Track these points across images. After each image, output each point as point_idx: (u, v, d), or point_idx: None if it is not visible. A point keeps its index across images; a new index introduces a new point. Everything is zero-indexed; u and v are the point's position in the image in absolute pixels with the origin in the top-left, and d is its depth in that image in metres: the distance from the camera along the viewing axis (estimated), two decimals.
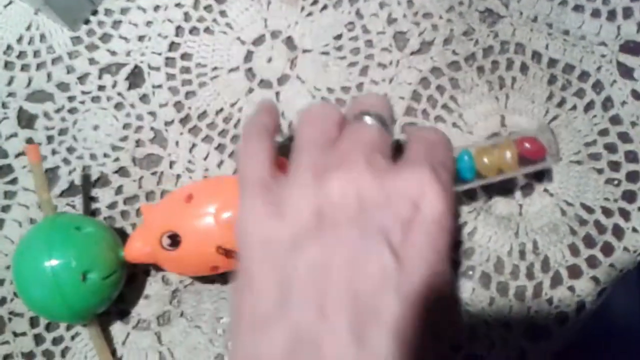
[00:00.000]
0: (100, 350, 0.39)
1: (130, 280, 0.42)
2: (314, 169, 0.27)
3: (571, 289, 0.39)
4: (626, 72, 0.42)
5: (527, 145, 0.35)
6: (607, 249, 0.39)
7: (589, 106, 0.42)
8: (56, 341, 0.42)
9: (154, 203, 0.43)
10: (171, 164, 0.44)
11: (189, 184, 0.43)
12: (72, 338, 0.42)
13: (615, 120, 0.41)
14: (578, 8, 0.44)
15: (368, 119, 0.29)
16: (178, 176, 0.44)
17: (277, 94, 0.45)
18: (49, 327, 0.42)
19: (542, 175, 0.41)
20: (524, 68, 0.43)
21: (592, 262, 0.39)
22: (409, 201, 0.25)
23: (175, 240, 0.36)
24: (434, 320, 0.25)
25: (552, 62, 0.43)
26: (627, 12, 0.43)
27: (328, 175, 0.26)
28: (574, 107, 0.42)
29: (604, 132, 0.41)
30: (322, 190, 0.26)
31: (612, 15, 0.43)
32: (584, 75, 0.42)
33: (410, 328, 0.24)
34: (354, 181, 0.26)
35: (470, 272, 0.40)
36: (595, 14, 0.44)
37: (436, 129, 0.34)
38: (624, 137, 0.41)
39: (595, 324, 0.39)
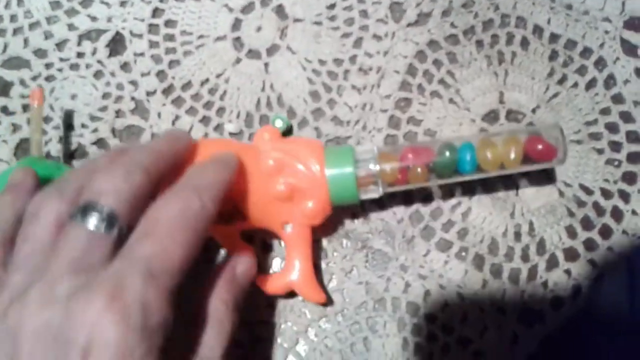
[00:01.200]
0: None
1: None
2: (9, 288, 0.26)
3: (567, 272, 0.38)
4: (630, 49, 0.41)
5: (539, 146, 0.34)
6: (606, 232, 0.38)
7: (591, 84, 0.41)
8: None
9: None
10: (153, 136, 0.43)
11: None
12: None
13: (618, 98, 0.40)
14: None
15: (87, 220, 0.26)
16: None
17: (266, 65, 0.43)
18: None
19: None
20: (524, 43, 0.42)
21: (589, 244, 0.38)
22: (83, 334, 0.23)
23: None
24: None
25: (554, 38, 0.42)
26: None
27: (13, 307, 0.25)
28: (575, 85, 0.41)
29: (605, 111, 0.40)
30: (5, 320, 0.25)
31: None
32: (586, 52, 0.41)
33: None
34: (31, 314, 0.24)
35: (464, 254, 0.39)
36: None
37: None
38: (626, 117, 0.40)
39: (583, 312, 0.38)
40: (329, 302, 0.39)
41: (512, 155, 0.34)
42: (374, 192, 0.35)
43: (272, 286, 0.36)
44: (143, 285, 0.24)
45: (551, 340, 0.37)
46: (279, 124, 0.39)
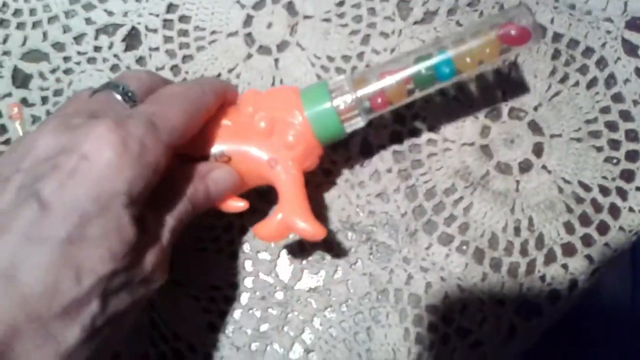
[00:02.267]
0: None
1: None
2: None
3: (565, 266, 0.39)
4: (631, 49, 0.41)
5: (512, 32, 0.33)
6: (603, 228, 0.39)
7: (592, 83, 0.41)
8: None
9: None
10: None
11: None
12: None
13: (618, 98, 0.41)
14: None
15: (109, 90, 0.32)
16: None
17: (276, 60, 0.44)
18: None
19: (541, 152, 0.40)
20: None
21: (587, 240, 0.39)
22: (76, 153, 0.26)
23: None
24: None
25: (557, 37, 0.42)
26: None
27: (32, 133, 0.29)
28: (577, 84, 0.41)
29: (605, 110, 0.41)
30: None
31: None
32: (588, 51, 0.42)
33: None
34: (42, 138, 0.28)
35: (464, 247, 0.40)
36: None
37: (175, 85, 0.35)
38: (626, 116, 0.40)
39: (586, 303, 0.39)
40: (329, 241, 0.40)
41: (488, 50, 0.33)
42: (358, 122, 0.35)
43: (269, 230, 0.34)
44: (144, 129, 0.28)
45: (553, 332, 0.38)
46: None
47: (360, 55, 0.43)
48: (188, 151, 0.34)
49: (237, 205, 0.35)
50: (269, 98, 0.36)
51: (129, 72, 0.37)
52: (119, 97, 0.32)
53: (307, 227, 0.34)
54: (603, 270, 0.39)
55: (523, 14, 0.33)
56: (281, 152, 0.35)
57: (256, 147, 0.35)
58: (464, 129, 0.41)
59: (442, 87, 0.35)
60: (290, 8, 0.45)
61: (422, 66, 0.34)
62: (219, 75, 0.44)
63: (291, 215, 0.34)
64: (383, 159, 0.41)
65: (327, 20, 0.44)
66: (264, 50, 0.44)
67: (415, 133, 0.42)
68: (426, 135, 0.42)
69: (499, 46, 0.33)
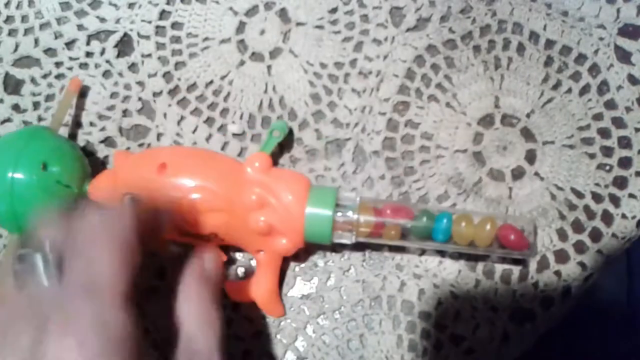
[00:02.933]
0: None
1: None
2: None
3: (557, 273, 0.38)
4: (623, 56, 0.41)
5: (512, 236, 0.34)
6: (596, 235, 0.39)
7: (585, 90, 0.41)
8: None
9: (128, 152, 0.41)
10: (158, 136, 0.43)
11: (165, 147, 0.42)
12: None
13: (610, 104, 0.40)
14: None
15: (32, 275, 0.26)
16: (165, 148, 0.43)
17: (269, 67, 0.44)
18: None
19: (534, 159, 0.40)
20: (520, 48, 0.42)
21: (579, 247, 0.39)
22: None
23: None
24: None
25: (550, 44, 0.42)
26: None
27: None
28: (569, 90, 0.41)
29: (598, 117, 0.40)
30: None
31: None
32: (580, 58, 0.41)
33: None
34: None
35: (457, 254, 0.39)
36: None
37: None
38: (618, 122, 0.40)
39: (582, 302, 0.39)
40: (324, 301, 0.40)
41: (484, 236, 0.34)
42: (346, 239, 0.36)
43: (238, 295, 0.38)
44: (87, 307, 0.24)
45: (550, 329, 0.38)
46: (277, 134, 0.39)
47: (353, 62, 0.43)
48: (181, 228, 0.35)
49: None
50: (277, 181, 0.36)
51: (36, 226, 0.28)
52: (42, 273, 0.25)
53: (272, 312, 0.39)
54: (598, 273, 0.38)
55: (530, 228, 0.35)
56: (269, 246, 0.36)
57: (248, 237, 0.36)
58: (456, 136, 0.41)
59: (429, 243, 0.36)
60: (283, 15, 0.44)
61: (423, 221, 0.35)
62: (211, 82, 0.44)
63: (261, 298, 0.38)
64: (376, 166, 0.41)
65: (319, 27, 0.44)
66: (256, 57, 0.44)
67: (408, 140, 0.41)
68: (419, 142, 0.41)
69: (494, 237, 0.34)
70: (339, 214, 0.35)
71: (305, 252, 0.40)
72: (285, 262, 0.40)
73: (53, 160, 0.36)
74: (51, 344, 0.23)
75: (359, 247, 0.40)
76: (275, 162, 0.40)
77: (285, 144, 0.42)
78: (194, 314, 0.30)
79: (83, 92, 0.44)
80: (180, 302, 0.30)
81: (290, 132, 0.42)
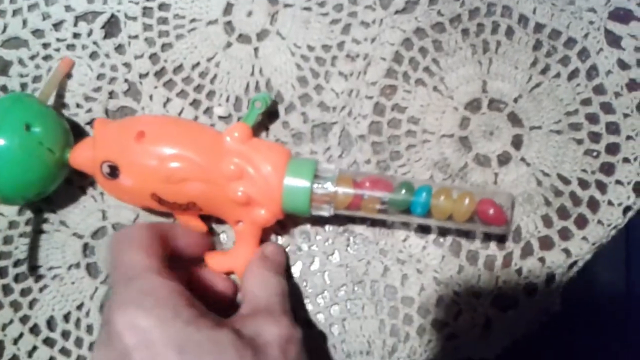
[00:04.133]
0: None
1: (100, 235, 0.41)
2: None
3: (541, 260, 0.37)
4: (614, 40, 0.40)
5: (490, 210, 0.33)
6: (581, 222, 0.38)
7: (573, 74, 0.39)
8: (24, 292, 0.41)
9: (109, 120, 0.41)
10: None
11: (145, 116, 0.41)
12: (40, 290, 0.41)
13: (599, 89, 0.39)
14: None
15: None
16: None
17: (256, 49, 0.42)
18: (17, 278, 0.41)
19: (521, 144, 0.39)
20: (509, 32, 0.41)
21: (564, 234, 0.38)
22: None
23: (114, 172, 0.34)
24: None
25: (539, 27, 0.40)
26: None
27: None
28: (558, 75, 0.40)
29: (586, 102, 0.39)
30: None
31: None
32: (570, 42, 0.40)
33: None
34: None
35: (441, 240, 0.38)
36: None
37: None
38: (607, 108, 0.39)
39: (580, 292, 0.38)
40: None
41: (463, 210, 0.33)
42: (324, 211, 0.35)
43: (217, 265, 0.37)
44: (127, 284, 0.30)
45: (549, 317, 0.37)
46: (258, 105, 0.38)
47: (341, 45, 0.42)
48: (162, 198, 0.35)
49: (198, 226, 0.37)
50: (257, 152, 0.35)
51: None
52: None
53: None
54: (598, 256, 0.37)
55: (508, 204, 0.34)
56: (247, 217, 0.35)
57: (227, 207, 0.35)
58: (443, 121, 0.40)
59: (408, 217, 0.35)
60: None
61: (402, 194, 0.34)
62: (198, 64, 0.42)
63: (238, 265, 0.37)
64: (362, 150, 0.40)
65: (307, 9, 0.42)
66: (243, 39, 0.43)
67: (395, 124, 0.40)
68: (405, 127, 0.40)
69: (473, 211, 0.33)
70: (317, 185, 0.34)
71: (288, 234, 0.39)
72: (267, 235, 0.39)
73: (36, 122, 0.35)
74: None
75: (342, 227, 0.39)
76: None
77: (272, 126, 0.41)
78: (255, 282, 0.34)
79: (69, 74, 0.43)
80: (246, 275, 0.35)
81: (274, 103, 0.41)
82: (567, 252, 0.37)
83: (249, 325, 0.30)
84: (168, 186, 0.34)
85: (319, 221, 0.39)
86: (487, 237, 0.38)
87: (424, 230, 0.38)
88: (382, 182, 0.34)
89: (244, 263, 0.36)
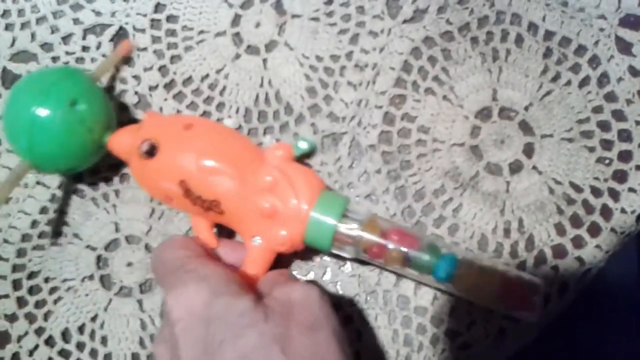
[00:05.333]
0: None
1: (113, 247, 0.40)
2: None
3: (555, 268, 0.36)
4: (625, 47, 0.39)
5: (516, 296, 0.32)
6: (594, 230, 0.37)
7: (584, 82, 0.38)
8: (39, 304, 0.40)
9: (160, 113, 0.41)
10: None
11: (197, 117, 0.41)
12: (55, 302, 0.40)
13: (610, 97, 0.38)
14: None
15: None
16: None
17: (265, 61, 0.41)
18: (31, 290, 0.40)
19: (532, 152, 0.38)
20: (519, 40, 0.39)
21: (577, 242, 0.37)
22: None
23: (151, 152, 0.33)
24: None
25: (549, 35, 0.39)
26: None
27: None
28: (569, 83, 0.39)
29: (597, 109, 0.38)
30: None
31: None
32: (580, 50, 0.39)
33: None
34: None
35: (454, 249, 0.37)
36: None
37: None
38: (618, 115, 0.38)
39: (596, 288, 0.37)
40: None
41: (486, 289, 0.32)
42: (345, 252, 0.34)
43: None
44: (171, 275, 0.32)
45: (563, 319, 0.36)
46: (303, 145, 0.37)
47: (349, 55, 0.41)
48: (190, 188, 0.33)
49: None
50: (296, 174, 0.33)
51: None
52: None
53: None
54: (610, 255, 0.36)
55: (537, 289, 0.32)
56: (266, 235, 0.33)
57: (248, 218, 0.34)
58: (453, 129, 0.39)
59: (428, 278, 0.33)
60: (279, 7, 0.42)
61: (427, 256, 0.32)
62: (207, 75, 0.41)
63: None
64: (372, 160, 0.39)
65: (315, 19, 0.41)
66: (252, 50, 0.42)
67: (405, 133, 0.39)
68: (416, 136, 0.39)
69: (496, 295, 0.32)
70: (344, 225, 0.32)
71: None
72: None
73: (82, 100, 0.35)
74: None
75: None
76: None
77: (283, 138, 0.40)
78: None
79: (128, 57, 0.43)
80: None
81: (313, 150, 0.40)
82: (580, 260, 0.36)
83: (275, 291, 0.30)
84: (200, 175, 0.32)
85: None
86: (500, 246, 0.37)
87: (436, 239, 0.37)
88: (410, 238, 0.33)
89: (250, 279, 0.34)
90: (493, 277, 0.32)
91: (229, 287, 0.29)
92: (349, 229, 0.32)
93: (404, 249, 0.32)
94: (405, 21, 0.41)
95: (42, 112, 0.33)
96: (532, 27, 0.39)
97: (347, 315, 0.37)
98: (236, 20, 0.42)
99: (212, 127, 0.35)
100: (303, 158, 0.39)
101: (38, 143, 0.34)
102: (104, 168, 0.41)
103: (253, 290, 0.31)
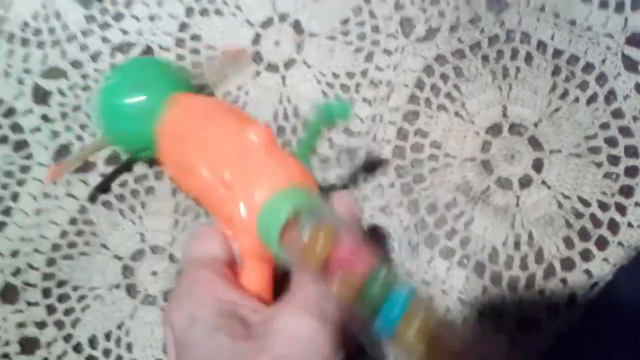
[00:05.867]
0: None
1: (139, 257, 0.41)
2: None
3: (563, 281, 0.37)
4: (631, 65, 0.39)
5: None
6: (602, 243, 0.37)
7: (592, 99, 0.39)
8: (67, 312, 0.41)
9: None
10: None
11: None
12: (83, 310, 0.41)
13: (617, 113, 0.39)
14: None
15: None
16: None
17: (283, 78, 0.43)
18: (60, 298, 0.42)
19: (541, 167, 0.39)
20: (528, 58, 0.40)
21: (585, 255, 0.37)
22: None
23: None
24: None
25: (557, 53, 0.40)
26: (635, 4, 0.40)
27: None
28: (577, 100, 0.39)
29: (605, 126, 0.39)
30: None
31: (620, 7, 0.40)
32: (588, 67, 0.40)
33: None
34: None
35: (465, 261, 0.38)
36: (603, 4, 0.41)
37: None
38: (625, 132, 0.39)
39: (603, 303, 0.37)
40: None
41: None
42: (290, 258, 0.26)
43: None
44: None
45: (570, 333, 0.37)
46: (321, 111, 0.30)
47: (364, 72, 0.42)
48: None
49: None
50: (261, 163, 0.29)
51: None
52: None
53: None
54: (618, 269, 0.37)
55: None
56: (230, 225, 0.30)
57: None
58: (465, 145, 0.40)
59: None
60: (297, 26, 0.43)
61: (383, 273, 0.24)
62: (229, 92, 0.43)
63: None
64: (386, 174, 0.40)
65: (332, 38, 0.43)
66: (271, 67, 0.43)
67: (418, 148, 0.40)
68: (428, 151, 0.40)
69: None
70: (293, 223, 0.26)
71: None
72: None
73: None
74: None
75: None
76: None
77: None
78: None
79: (241, 64, 0.44)
80: None
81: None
82: (588, 273, 0.37)
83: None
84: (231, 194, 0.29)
85: None
86: (510, 259, 0.38)
87: (448, 252, 0.38)
88: (365, 257, 0.24)
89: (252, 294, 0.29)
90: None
91: (222, 320, 0.26)
92: (295, 231, 0.25)
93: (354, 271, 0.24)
94: (418, 40, 0.42)
95: (135, 100, 0.35)
96: (541, 46, 0.40)
97: None
98: (257, 39, 0.44)
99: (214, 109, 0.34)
100: (337, 123, 0.34)
101: (121, 123, 0.36)
102: (132, 180, 0.42)
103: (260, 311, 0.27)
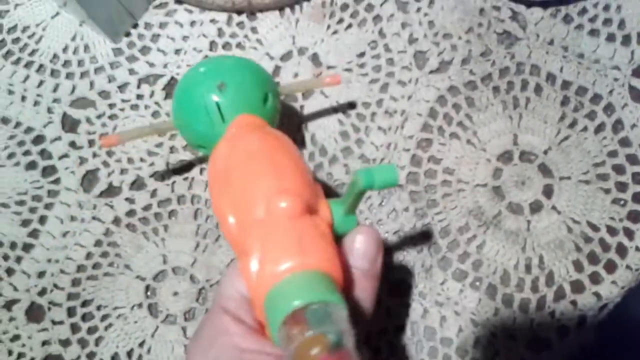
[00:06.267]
0: None
1: (161, 278, 0.43)
2: None
3: (573, 303, 0.39)
4: (637, 96, 0.42)
5: None
6: (610, 266, 0.39)
7: (600, 128, 0.41)
8: (91, 330, 0.43)
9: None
10: (201, 170, 0.45)
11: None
12: (106, 328, 0.43)
13: (625, 142, 0.41)
14: (594, 32, 0.43)
15: None
16: (207, 182, 0.44)
17: (302, 107, 0.45)
18: (84, 317, 0.43)
19: (551, 193, 0.40)
20: (538, 89, 0.43)
21: (595, 278, 0.39)
22: None
23: None
24: None
25: (566, 84, 0.42)
26: None
27: None
28: (585, 129, 0.41)
29: (613, 154, 0.41)
30: None
31: (626, 40, 0.43)
32: (596, 98, 0.42)
33: None
34: None
35: (478, 283, 0.40)
36: (610, 38, 0.43)
37: None
38: (633, 159, 0.40)
39: (614, 324, 0.38)
40: None
41: None
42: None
43: None
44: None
45: (580, 353, 0.38)
46: (360, 180, 0.26)
47: (380, 102, 0.44)
48: None
49: None
50: (298, 236, 0.26)
51: None
52: None
53: None
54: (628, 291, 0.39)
55: None
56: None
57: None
58: (477, 171, 0.42)
59: None
60: (315, 59, 0.46)
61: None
62: None
63: None
64: (400, 199, 0.42)
65: (348, 70, 0.45)
66: (290, 97, 0.46)
67: (431, 174, 0.42)
68: (441, 177, 0.42)
69: None
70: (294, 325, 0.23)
71: None
72: None
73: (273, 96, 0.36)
74: None
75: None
76: None
77: (318, 177, 0.43)
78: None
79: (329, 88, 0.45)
80: None
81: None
82: (597, 295, 0.38)
83: None
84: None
85: None
86: (522, 281, 0.39)
87: (460, 274, 0.40)
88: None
89: None
90: None
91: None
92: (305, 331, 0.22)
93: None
94: (431, 72, 0.44)
95: (212, 98, 0.34)
96: (551, 78, 0.42)
97: (376, 347, 0.40)
98: (276, 70, 0.46)
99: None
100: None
101: (191, 118, 0.35)
102: (155, 204, 0.44)
103: None
